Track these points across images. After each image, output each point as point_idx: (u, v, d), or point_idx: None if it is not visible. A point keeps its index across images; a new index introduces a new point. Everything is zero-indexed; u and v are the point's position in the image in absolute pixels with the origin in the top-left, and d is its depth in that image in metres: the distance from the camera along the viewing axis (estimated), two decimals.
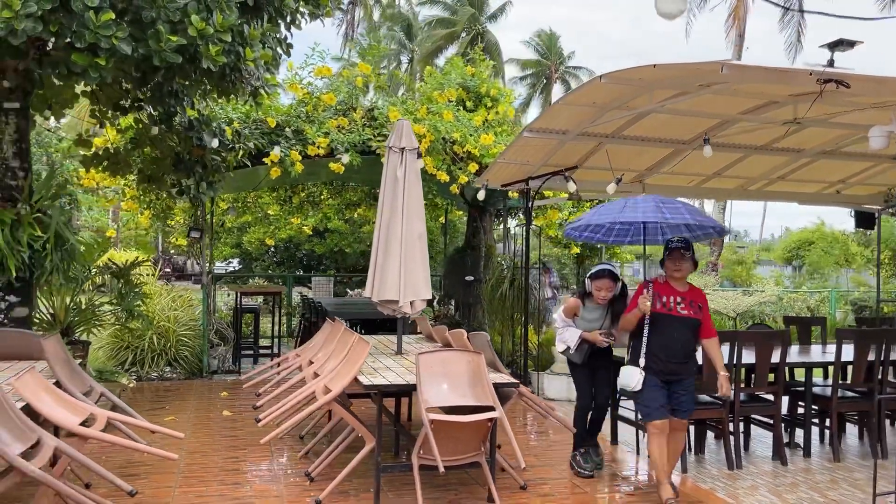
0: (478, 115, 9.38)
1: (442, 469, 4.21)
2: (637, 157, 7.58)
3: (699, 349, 5.08)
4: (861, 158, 7.75)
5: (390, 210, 5.78)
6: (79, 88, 6.91)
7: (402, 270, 5.69)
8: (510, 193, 9.41)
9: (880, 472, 4.41)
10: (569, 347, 5.48)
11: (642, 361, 4.79)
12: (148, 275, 10.50)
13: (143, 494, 4.74)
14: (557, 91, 42.75)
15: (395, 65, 37.94)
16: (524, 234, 8.48)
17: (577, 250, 12.54)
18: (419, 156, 5.93)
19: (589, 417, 5.64)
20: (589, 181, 7.68)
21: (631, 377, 4.79)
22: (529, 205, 8.22)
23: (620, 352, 5.53)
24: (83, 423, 4.06)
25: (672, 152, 7.37)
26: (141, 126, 7.56)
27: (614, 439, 6.42)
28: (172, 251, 22.59)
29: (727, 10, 23.82)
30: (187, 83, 6.20)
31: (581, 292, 5.60)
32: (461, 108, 9.58)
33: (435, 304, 11.88)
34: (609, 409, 6.06)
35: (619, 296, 5.42)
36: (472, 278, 10.70)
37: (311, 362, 5.97)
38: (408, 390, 5.05)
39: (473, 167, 8.86)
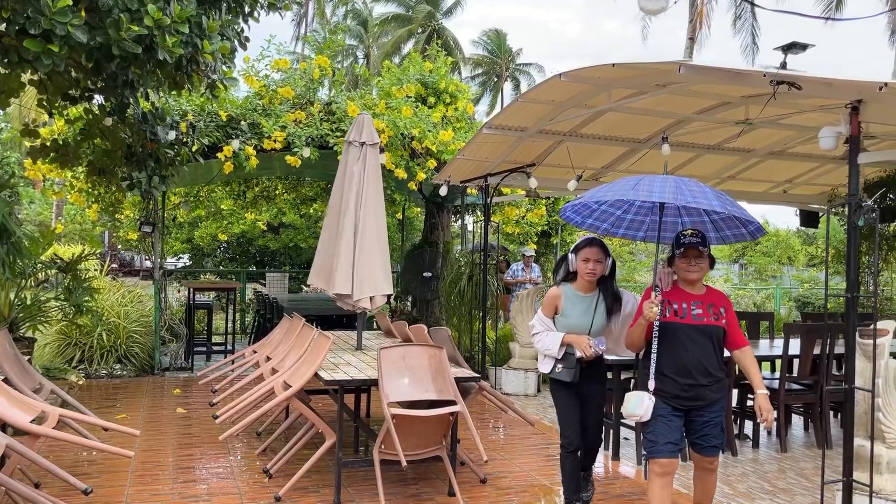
0: (436, 112, 9.39)
1: (404, 463, 4.22)
2: (594, 156, 7.70)
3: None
4: (807, 159, 8.03)
5: (350, 204, 5.75)
6: (26, 77, 6.67)
7: (356, 265, 5.66)
8: (468, 190, 9.46)
9: (826, 462, 4.57)
10: (556, 362, 4.21)
11: (651, 385, 3.88)
12: (95, 270, 10.24)
13: (96, 494, 4.62)
14: (508, 88, 43.08)
15: (352, 60, 37.69)
16: (483, 230, 8.52)
17: (533, 246, 12.68)
18: (381, 150, 5.89)
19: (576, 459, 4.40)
20: (547, 178, 7.79)
21: (638, 404, 3.85)
22: (488, 201, 8.27)
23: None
24: (34, 421, 3.94)
25: (628, 151, 7.51)
26: (91, 117, 7.35)
27: None
28: (120, 246, 22.01)
29: (687, 13, 24.27)
30: (142, 73, 6.05)
31: (562, 279, 4.34)
32: (421, 104, 9.58)
33: (392, 300, 11.85)
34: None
35: (609, 282, 4.31)
36: (429, 274, 10.71)
37: (269, 358, 5.90)
38: (368, 385, 5.03)
39: (432, 163, 8.86)
